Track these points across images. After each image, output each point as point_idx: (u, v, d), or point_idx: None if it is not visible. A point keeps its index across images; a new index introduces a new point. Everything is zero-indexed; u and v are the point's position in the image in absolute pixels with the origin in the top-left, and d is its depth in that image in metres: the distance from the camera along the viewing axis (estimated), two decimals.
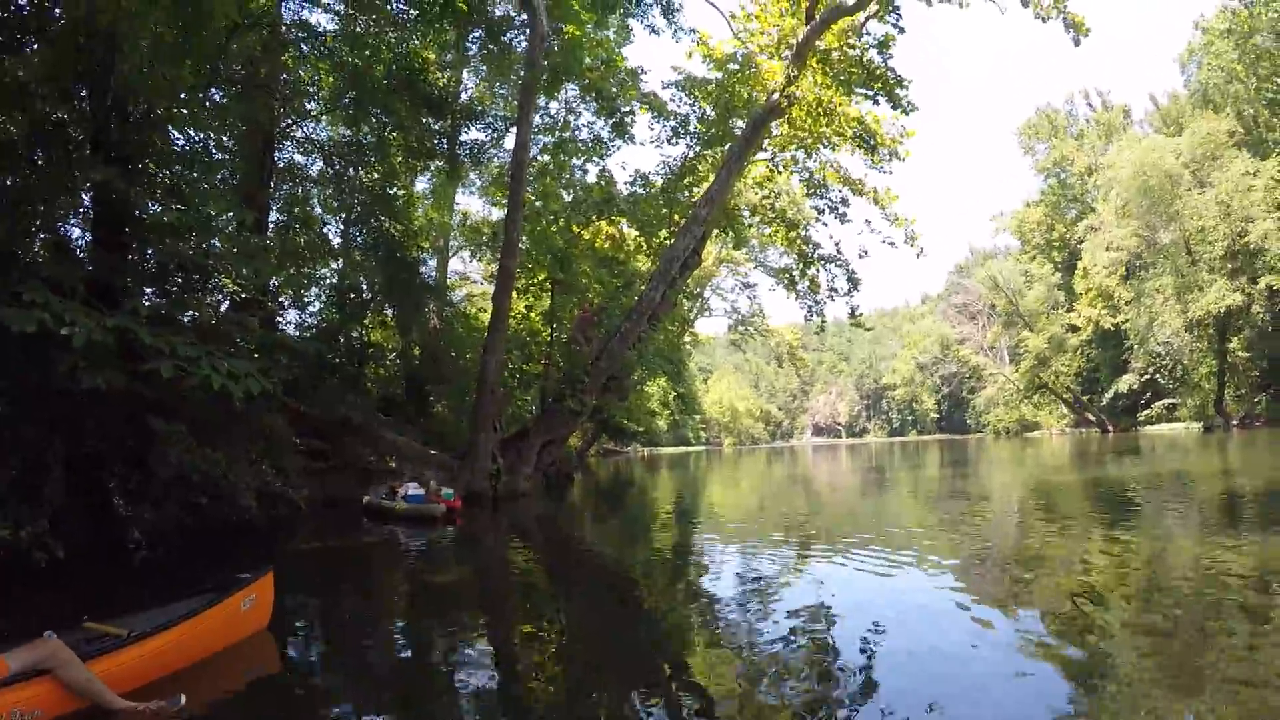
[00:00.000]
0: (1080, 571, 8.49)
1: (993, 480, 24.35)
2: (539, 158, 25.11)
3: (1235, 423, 48.93)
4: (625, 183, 25.32)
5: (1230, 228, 45.65)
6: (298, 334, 20.74)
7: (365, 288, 22.92)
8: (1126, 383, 61.89)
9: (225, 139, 13.06)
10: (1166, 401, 58.84)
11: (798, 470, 38.31)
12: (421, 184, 28.47)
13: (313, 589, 9.11)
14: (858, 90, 22.26)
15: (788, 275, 26.81)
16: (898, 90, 21.75)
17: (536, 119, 23.98)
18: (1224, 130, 49.63)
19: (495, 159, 26.39)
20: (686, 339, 50.92)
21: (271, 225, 19.32)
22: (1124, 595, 7.26)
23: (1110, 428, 63.52)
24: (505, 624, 7.60)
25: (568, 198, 25.83)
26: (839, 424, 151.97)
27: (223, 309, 12.18)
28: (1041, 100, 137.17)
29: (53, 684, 4.37)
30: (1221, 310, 46.63)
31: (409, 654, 6.53)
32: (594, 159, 25.75)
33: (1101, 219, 57.44)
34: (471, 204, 54.16)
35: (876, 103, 22.29)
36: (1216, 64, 52.64)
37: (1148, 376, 59.05)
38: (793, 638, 6.19)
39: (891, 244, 24.52)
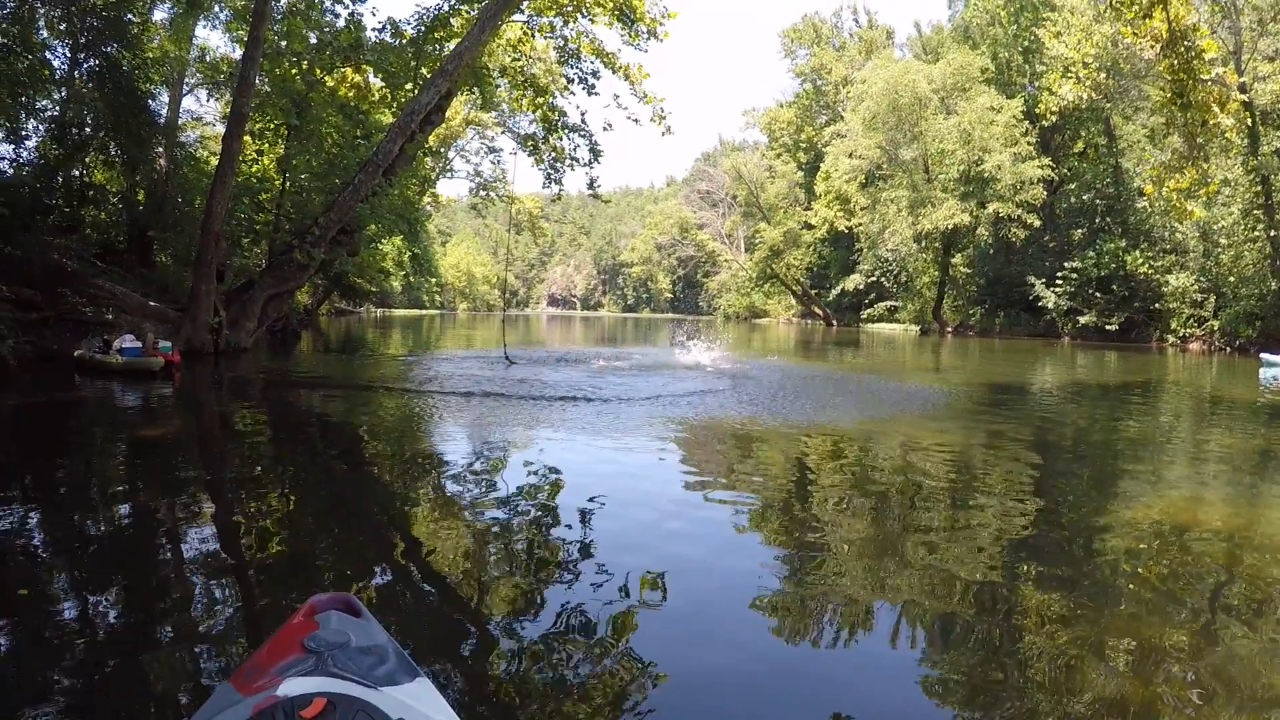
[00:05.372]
0: (797, 449, 9.28)
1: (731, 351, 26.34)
2: None
3: (950, 329, 53.69)
4: (374, 29, 23.61)
5: (968, 154, 48.71)
6: (10, 171, 19.00)
7: (89, 122, 20.76)
8: (853, 282, 66.16)
9: None
10: (889, 303, 63.60)
11: (532, 337, 39.16)
12: (160, 13, 25.85)
13: (18, 449, 8.56)
14: None
15: (532, 142, 26.52)
16: None
17: None
18: (977, 66, 52.40)
19: None
20: (427, 199, 49.53)
21: None
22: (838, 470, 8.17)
23: (834, 321, 68.50)
24: (225, 485, 7.17)
25: (314, 40, 23.70)
26: (574, 296, 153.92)
27: None
28: (810, 8, 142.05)
29: None
30: (949, 227, 50.20)
31: (125, 518, 5.91)
32: (344, 1, 23.70)
33: (849, 127, 58.95)
34: (213, 39, 48.39)
35: None
36: (982, 6, 55.44)
37: (874, 279, 63.61)
38: (517, 502, 6.38)
39: (636, 121, 25.23)
